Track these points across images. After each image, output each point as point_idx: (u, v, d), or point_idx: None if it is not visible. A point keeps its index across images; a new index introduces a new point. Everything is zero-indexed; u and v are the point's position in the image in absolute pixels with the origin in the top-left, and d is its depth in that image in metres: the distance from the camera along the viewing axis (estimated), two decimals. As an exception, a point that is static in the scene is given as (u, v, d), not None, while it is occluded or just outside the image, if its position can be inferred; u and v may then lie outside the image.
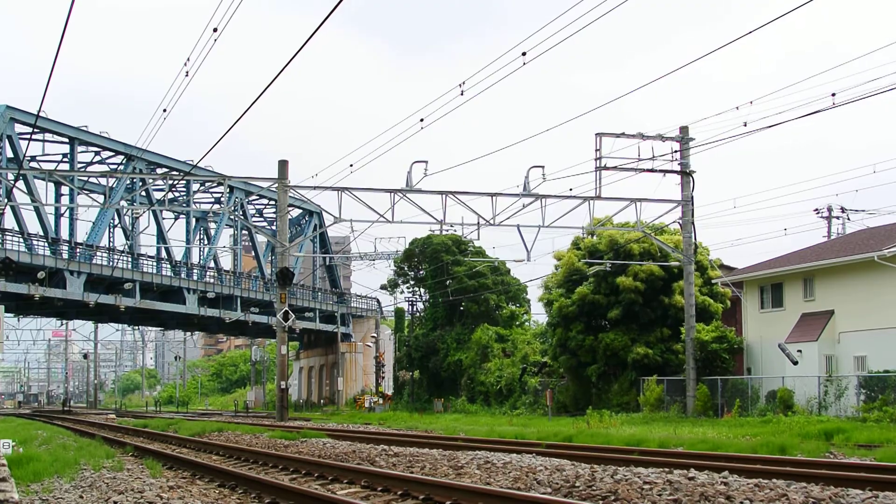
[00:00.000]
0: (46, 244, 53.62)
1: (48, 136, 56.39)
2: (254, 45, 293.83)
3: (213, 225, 68.18)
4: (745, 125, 25.75)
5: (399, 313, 65.65)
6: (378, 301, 79.45)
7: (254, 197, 67.57)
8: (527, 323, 58.35)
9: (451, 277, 56.15)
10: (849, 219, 53.63)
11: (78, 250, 55.66)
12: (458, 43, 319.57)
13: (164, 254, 63.10)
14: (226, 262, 72.88)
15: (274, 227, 60.62)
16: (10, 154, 51.44)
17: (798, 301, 34.42)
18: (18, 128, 52.42)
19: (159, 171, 58.08)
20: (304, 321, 70.22)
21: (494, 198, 33.70)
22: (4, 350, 31.45)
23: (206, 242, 67.86)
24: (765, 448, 14.08)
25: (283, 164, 36.04)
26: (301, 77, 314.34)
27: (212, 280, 65.70)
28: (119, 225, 60.55)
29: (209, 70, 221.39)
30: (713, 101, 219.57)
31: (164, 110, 23.45)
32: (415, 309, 62.69)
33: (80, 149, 56.92)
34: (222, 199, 57.94)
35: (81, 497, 10.23)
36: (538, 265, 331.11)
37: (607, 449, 14.89)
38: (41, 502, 9.84)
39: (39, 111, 36.25)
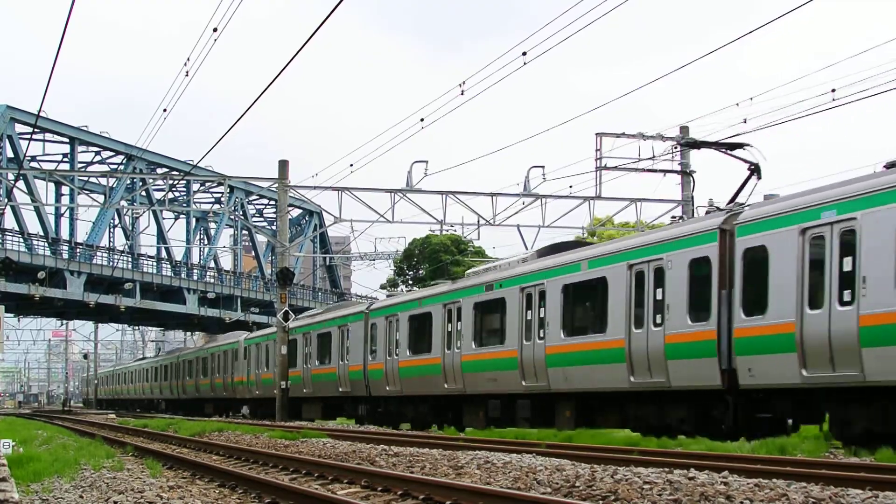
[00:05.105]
0: (46, 244, 53.65)
1: (48, 136, 56.43)
2: (254, 46, 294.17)
3: (213, 225, 68.21)
4: (745, 121, 25.65)
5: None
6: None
7: (254, 197, 67.55)
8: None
9: (450, 277, 56.04)
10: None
11: (78, 250, 55.68)
12: (460, 43, 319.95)
13: (164, 254, 63.14)
14: (226, 262, 72.94)
15: (274, 227, 60.54)
16: (10, 154, 51.47)
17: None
18: (19, 128, 52.44)
19: (159, 171, 58.09)
20: (305, 321, 70.16)
21: (494, 198, 33.64)
22: (4, 350, 31.42)
23: (206, 242, 67.89)
24: (764, 448, 14.06)
25: (283, 164, 35.97)
26: (301, 77, 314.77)
27: (212, 280, 65.75)
28: (119, 225, 60.59)
29: (209, 70, 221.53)
30: (713, 101, 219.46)
31: (165, 110, 23.46)
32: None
33: (80, 149, 56.96)
34: (222, 199, 57.93)
35: (81, 497, 10.24)
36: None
37: (607, 449, 14.89)
38: (41, 502, 9.84)
39: (40, 111, 36.31)
